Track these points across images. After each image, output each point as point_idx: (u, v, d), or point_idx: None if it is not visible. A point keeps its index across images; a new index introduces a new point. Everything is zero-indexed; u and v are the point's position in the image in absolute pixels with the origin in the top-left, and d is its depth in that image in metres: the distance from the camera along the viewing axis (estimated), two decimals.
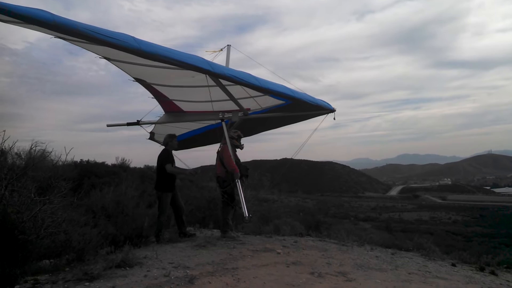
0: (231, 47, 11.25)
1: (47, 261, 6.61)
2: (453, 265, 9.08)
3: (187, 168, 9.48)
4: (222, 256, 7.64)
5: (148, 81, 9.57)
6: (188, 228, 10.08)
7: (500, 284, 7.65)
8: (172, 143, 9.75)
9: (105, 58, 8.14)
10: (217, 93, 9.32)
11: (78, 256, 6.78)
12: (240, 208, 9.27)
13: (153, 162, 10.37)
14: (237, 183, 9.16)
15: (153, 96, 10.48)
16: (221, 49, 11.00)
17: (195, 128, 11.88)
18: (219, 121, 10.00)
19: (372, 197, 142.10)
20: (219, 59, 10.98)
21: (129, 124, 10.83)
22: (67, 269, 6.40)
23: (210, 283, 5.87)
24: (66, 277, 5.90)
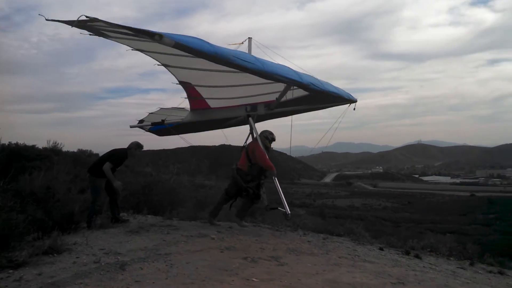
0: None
1: None
2: (381, 249, 9.47)
3: (116, 180, 9.20)
4: (155, 242, 7.57)
5: (192, 83, 9.47)
6: (121, 214, 9.88)
7: (424, 266, 8.07)
8: (135, 152, 9.51)
9: (163, 65, 8.89)
10: (246, 88, 9.42)
11: (2, 243, 6.49)
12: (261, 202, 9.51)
13: (87, 146, 10.07)
14: (275, 180, 9.21)
15: (186, 96, 10.34)
16: (242, 42, 10.65)
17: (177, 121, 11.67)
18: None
19: (308, 184, 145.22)
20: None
21: (153, 124, 10.86)
22: None
23: (141, 269, 5.81)
24: None
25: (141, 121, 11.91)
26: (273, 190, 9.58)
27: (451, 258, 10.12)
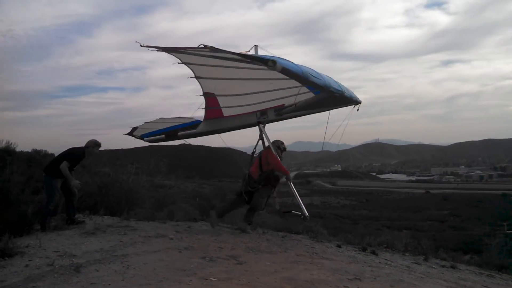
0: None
1: None
2: (339, 246, 9.61)
3: (74, 179, 8.98)
4: (112, 243, 7.43)
5: (216, 93, 9.41)
6: (77, 215, 9.65)
7: (380, 262, 8.25)
8: (93, 150, 9.29)
9: (197, 77, 9.08)
10: (259, 95, 9.38)
11: None
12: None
13: (42, 146, 9.80)
14: (290, 184, 9.52)
15: (203, 107, 10.12)
16: (249, 50, 10.66)
17: (182, 123, 11.50)
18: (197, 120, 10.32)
19: None
20: None
21: (167, 136, 10.94)
22: None
23: (97, 271, 5.69)
24: None
25: (134, 128, 11.78)
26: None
27: (406, 254, 10.38)
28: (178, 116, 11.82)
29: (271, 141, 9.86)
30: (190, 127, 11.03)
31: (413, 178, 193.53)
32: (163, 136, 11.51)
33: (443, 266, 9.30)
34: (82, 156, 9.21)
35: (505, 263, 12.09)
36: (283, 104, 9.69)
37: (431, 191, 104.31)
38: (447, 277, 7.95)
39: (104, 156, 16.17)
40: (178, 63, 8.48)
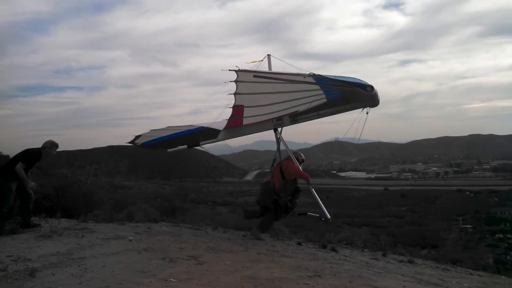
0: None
1: None
2: (299, 244, 9.71)
3: (30, 181, 8.74)
4: (69, 246, 7.25)
5: (245, 105, 9.44)
6: (32, 218, 9.36)
7: (339, 259, 8.38)
8: (50, 150, 9.03)
9: (236, 93, 9.11)
10: (278, 103, 9.32)
11: None
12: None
13: None
14: (311, 189, 9.67)
15: (227, 118, 9.96)
16: (262, 60, 10.73)
17: (181, 131, 11.52)
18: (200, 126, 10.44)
19: (230, 182, 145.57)
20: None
21: (189, 146, 10.91)
22: None
23: (53, 275, 5.54)
24: None
25: (138, 136, 11.67)
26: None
27: (366, 250, 10.58)
28: (189, 124, 11.88)
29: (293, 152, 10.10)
30: (193, 133, 11.13)
31: (372, 175, 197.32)
32: (166, 142, 11.55)
33: (400, 261, 9.52)
34: (38, 157, 8.96)
35: (460, 257, 12.47)
36: (297, 111, 9.63)
37: (390, 188, 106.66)
38: (405, 272, 8.14)
39: (62, 157, 15.76)
40: (230, 81, 8.84)
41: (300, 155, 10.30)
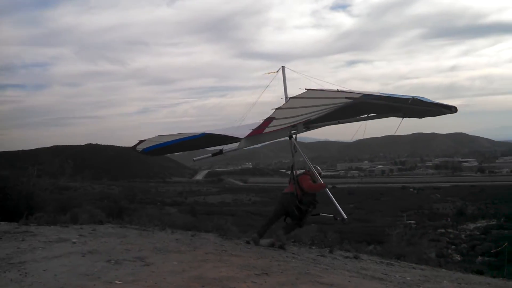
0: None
1: None
2: (248, 242, 9.73)
3: None
4: (8, 250, 6.97)
5: (276, 117, 9.22)
6: None
7: (287, 256, 8.47)
8: None
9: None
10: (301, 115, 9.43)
11: None
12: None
13: None
14: (327, 191, 9.97)
15: (251, 128, 9.88)
16: (277, 71, 10.97)
17: (184, 136, 11.34)
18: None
19: (179, 182, 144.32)
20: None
21: (213, 154, 11.18)
22: None
23: None
24: None
25: (141, 141, 11.44)
26: None
27: (313, 247, 10.76)
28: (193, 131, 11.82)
29: (308, 168, 10.36)
30: (197, 139, 11.21)
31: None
32: (169, 148, 11.88)
33: (346, 257, 9.73)
34: None
35: (404, 252, 12.88)
36: (310, 118, 9.93)
37: (337, 186, 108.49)
38: (350, 267, 8.34)
39: (2, 157, 15.18)
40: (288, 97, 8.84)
41: (318, 169, 10.55)
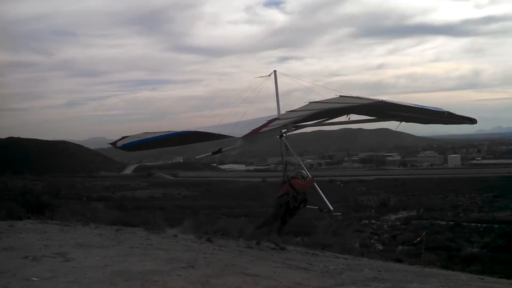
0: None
1: None
2: (175, 236, 9.67)
3: None
4: None
5: (280, 118, 10.18)
6: None
7: (214, 249, 8.50)
8: None
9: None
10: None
11: None
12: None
13: None
14: (315, 185, 10.58)
15: (252, 128, 10.24)
16: (269, 75, 11.51)
17: (167, 133, 11.44)
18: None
19: (107, 177, 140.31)
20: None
21: (213, 153, 11.60)
22: None
23: None
24: None
25: (125, 137, 11.35)
26: None
27: (241, 239, 10.83)
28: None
29: (297, 171, 11.10)
30: (179, 136, 11.44)
31: (251, 168, 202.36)
32: (149, 144, 12.02)
33: (273, 249, 9.90)
34: None
35: (329, 242, 13.29)
36: (298, 119, 10.50)
37: (268, 180, 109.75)
38: (276, 258, 8.49)
39: None
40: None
41: (302, 173, 11.06)
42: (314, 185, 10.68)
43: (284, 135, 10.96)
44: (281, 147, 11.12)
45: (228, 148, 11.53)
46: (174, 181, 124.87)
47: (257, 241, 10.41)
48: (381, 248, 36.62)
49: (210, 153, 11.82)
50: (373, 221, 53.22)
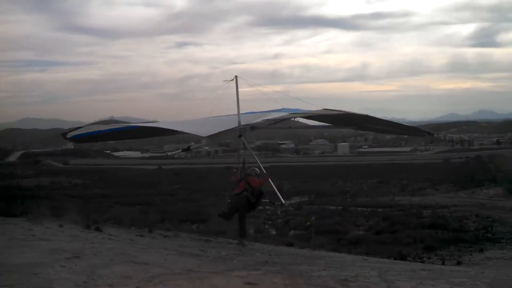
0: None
1: None
2: (61, 226, 9.22)
3: None
4: None
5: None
6: None
7: (102, 238, 8.28)
8: None
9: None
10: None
11: None
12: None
13: None
14: (270, 181, 10.66)
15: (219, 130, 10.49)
16: (232, 79, 11.67)
17: (117, 127, 11.95)
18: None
19: None
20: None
21: (183, 150, 12.79)
22: None
23: None
24: None
25: (78, 128, 11.50)
26: None
27: (132, 228, 10.61)
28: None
29: (250, 169, 11.39)
30: (127, 130, 11.77)
31: (147, 155, 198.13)
32: (96, 136, 11.96)
33: (166, 236, 9.80)
34: None
35: (224, 229, 13.42)
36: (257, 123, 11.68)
37: (164, 167, 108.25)
38: (168, 246, 8.42)
39: None
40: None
41: (256, 170, 11.31)
42: (269, 181, 10.90)
43: (243, 135, 11.22)
44: (239, 145, 11.80)
45: (196, 145, 12.48)
46: (65, 168, 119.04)
47: (149, 229, 10.25)
48: (274, 233, 37.81)
49: (180, 150, 12.29)
50: (267, 207, 54.67)
